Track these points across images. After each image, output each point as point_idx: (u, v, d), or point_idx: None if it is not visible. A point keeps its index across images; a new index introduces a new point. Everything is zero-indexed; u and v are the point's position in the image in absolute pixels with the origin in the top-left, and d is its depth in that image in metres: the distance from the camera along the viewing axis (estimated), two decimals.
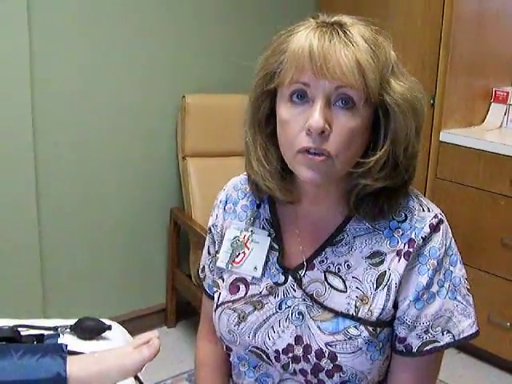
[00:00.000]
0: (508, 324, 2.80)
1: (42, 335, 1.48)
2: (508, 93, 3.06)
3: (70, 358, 1.12)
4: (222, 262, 1.31)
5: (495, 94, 3.09)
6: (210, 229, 1.38)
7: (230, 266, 1.30)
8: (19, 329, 1.49)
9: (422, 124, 1.15)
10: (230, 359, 1.34)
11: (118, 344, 1.51)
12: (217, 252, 1.35)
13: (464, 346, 2.90)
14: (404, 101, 1.10)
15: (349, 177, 1.14)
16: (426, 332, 1.16)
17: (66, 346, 1.17)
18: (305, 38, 1.07)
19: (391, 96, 1.09)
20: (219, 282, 1.33)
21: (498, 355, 2.90)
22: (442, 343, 1.17)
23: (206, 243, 1.41)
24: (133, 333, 1.66)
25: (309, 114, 1.07)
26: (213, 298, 1.34)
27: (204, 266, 1.42)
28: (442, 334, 1.16)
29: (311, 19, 1.13)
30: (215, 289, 1.34)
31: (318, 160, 1.08)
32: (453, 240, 1.19)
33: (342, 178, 1.15)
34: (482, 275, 2.84)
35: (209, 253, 1.40)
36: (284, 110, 1.12)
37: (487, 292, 2.82)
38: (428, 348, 1.17)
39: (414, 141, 1.13)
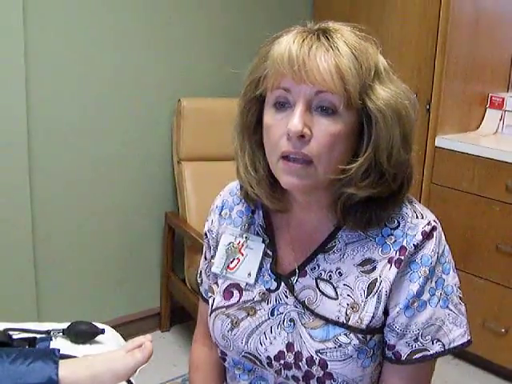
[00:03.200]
0: (503, 330, 2.79)
1: (34, 339, 1.47)
2: (504, 98, 3.06)
3: (61, 362, 1.12)
4: (216, 267, 1.31)
5: (491, 100, 3.10)
6: (205, 234, 1.38)
7: (224, 271, 1.30)
8: (11, 332, 1.48)
9: (410, 132, 1.13)
10: (226, 363, 1.34)
11: (110, 348, 1.50)
12: (212, 257, 1.34)
13: (459, 352, 2.89)
14: (387, 107, 1.09)
15: (334, 185, 1.14)
16: (416, 340, 1.15)
17: (59, 350, 1.16)
18: (285, 43, 1.09)
19: (373, 102, 1.08)
20: (214, 287, 1.32)
21: (493, 361, 2.89)
22: (431, 352, 1.16)
23: (204, 248, 1.41)
24: (127, 337, 1.65)
25: (289, 119, 1.08)
26: (209, 303, 1.34)
27: (201, 271, 1.42)
28: (432, 343, 1.15)
29: (298, 27, 1.14)
30: (210, 294, 1.34)
31: (298, 167, 1.08)
32: (446, 247, 1.18)
33: (328, 185, 1.14)
34: (477, 281, 2.84)
35: (205, 258, 1.40)
36: (268, 116, 1.13)
37: (482, 298, 2.82)
38: (417, 356, 1.16)
39: (400, 149, 1.11)
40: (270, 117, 1.12)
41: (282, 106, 1.10)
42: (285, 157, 1.09)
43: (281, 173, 1.11)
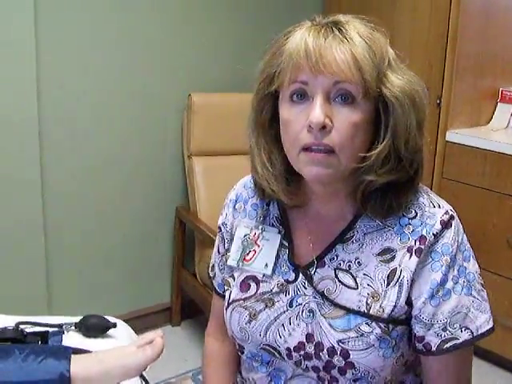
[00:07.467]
0: None
1: (47, 332, 1.48)
2: None
3: (73, 358, 1.12)
4: (232, 260, 1.32)
5: (502, 94, 3.08)
6: (219, 227, 1.39)
7: (240, 263, 1.30)
8: (24, 325, 1.49)
9: (424, 118, 1.16)
10: (243, 356, 1.34)
11: (122, 342, 1.51)
12: (227, 250, 1.35)
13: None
14: (402, 93, 1.11)
15: (354, 174, 1.15)
16: (444, 329, 1.16)
17: (70, 347, 1.17)
18: (300, 37, 1.10)
19: (389, 89, 1.10)
20: (230, 280, 1.33)
21: (504, 356, 2.88)
22: (461, 340, 1.16)
23: (216, 242, 1.41)
24: (137, 331, 1.66)
25: (309, 111, 1.09)
26: (222, 296, 1.35)
27: (214, 265, 1.42)
28: (461, 331, 1.16)
29: (308, 21, 1.15)
30: (226, 287, 1.34)
31: (321, 156, 1.09)
32: (465, 236, 1.20)
33: (347, 175, 1.15)
34: (488, 275, 2.82)
35: (218, 251, 1.40)
36: (285, 111, 1.13)
37: (493, 292, 2.74)
38: (447, 346, 1.16)
39: (416, 135, 1.13)
40: (287, 111, 1.13)
41: (300, 99, 1.11)
42: (306, 148, 1.10)
43: (303, 164, 1.12)
